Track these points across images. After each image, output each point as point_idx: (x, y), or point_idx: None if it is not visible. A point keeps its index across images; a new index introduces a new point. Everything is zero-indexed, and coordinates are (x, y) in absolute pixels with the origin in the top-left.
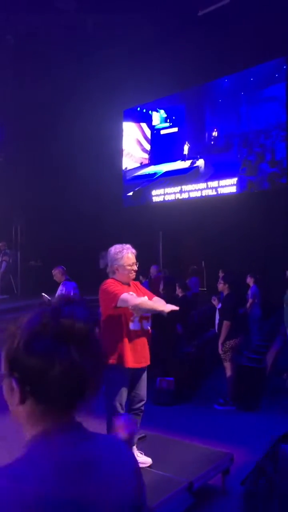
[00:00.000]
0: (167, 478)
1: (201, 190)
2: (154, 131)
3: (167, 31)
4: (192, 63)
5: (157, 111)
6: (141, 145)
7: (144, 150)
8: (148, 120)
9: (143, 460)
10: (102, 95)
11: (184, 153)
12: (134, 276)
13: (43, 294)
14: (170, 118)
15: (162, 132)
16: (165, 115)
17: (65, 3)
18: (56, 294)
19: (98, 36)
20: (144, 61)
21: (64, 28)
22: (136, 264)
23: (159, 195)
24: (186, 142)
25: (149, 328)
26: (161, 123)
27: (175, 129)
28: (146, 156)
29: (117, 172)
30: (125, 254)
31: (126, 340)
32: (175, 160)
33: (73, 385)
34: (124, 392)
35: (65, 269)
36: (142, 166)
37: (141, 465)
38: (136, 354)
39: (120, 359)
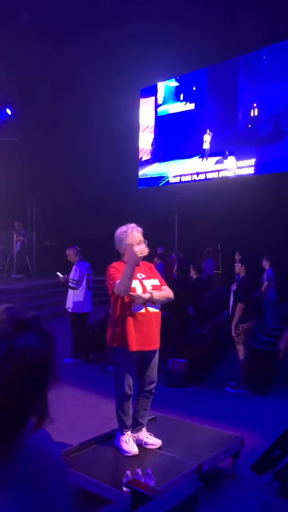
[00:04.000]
0: (176, 460)
1: (218, 171)
2: (157, 111)
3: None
4: (222, 36)
5: (163, 82)
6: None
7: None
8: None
9: (153, 441)
10: (120, 73)
11: (204, 147)
12: (144, 254)
13: (58, 273)
14: (185, 91)
15: (171, 110)
16: (176, 85)
17: None
18: (70, 274)
19: (117, 12)
20: (163, 37)
21: (81, 5)
22: (145, 242)
23: (175, 176)
24: (208, 131)
25: (157, 309)
26: (168, 100)
27: (190, 106)
28: (149, 147)
29: (133, 152)
30: (130, 233)
31: (129, 322)
32: (189, 156)
33: (8, 415)
34: (130, 374)
35: (78, 249)
36: (143, 163)
37: (150, 447)
38: (141, 337)
39: (123, 342)
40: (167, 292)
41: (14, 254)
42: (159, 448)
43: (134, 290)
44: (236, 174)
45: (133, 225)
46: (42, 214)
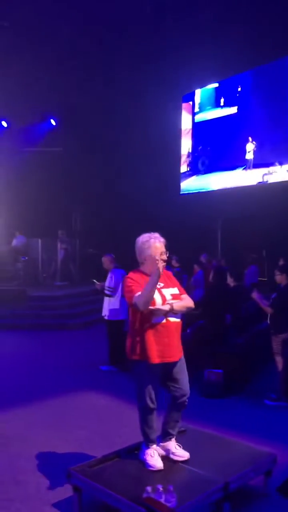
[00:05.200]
0: (202, 477)
1: (263, 175)
2: (195, 118)
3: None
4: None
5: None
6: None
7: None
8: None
9: (181, 453)
10: (162, 79)
11: (248, 157)
12: (164, 266)
13: (94, 280)
14: (226, 95)
15: (209, 116)
16: (215, 90)
17: None
18: (106, 282)
19: (157, 19)
20: (208, 41)
21: (121, 12)
22: (166, 254)
23: (218, 181)
24: (250, 139)
25: (178, 319)
26: (206, 106)
27: (232, 110)
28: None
29: (175, 158)
30: (153, 244)
31: (149, 334)
32: (231, 168)
33: None
34: (153, 387)
35: (114, 256)
36: (182, 175)
37: (178, 458)
38: (162, 349)
39: (143, 355)
40: (187, 302)
41: (58, 261)
42: (185, 462)
43: (153, 301)
44: (282, 179)
45: (156, 234)
46: (85, 223)
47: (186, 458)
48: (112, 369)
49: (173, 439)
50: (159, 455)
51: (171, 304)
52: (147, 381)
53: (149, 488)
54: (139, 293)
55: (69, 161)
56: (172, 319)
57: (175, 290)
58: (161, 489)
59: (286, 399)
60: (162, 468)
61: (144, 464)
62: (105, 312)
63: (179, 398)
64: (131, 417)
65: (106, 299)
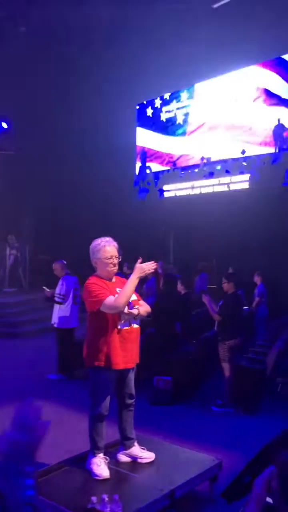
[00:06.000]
0: (148, 485)
1: (213, 186)
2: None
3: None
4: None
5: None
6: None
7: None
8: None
9: (148, 456)
10: (116, 87)
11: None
12: (116, 270)
13: (44, 287)
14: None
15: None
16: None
17: None
18: (57, 289)
19: (112, 28)
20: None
21: (79, 20)
22: (118, 258)
23: (170, 190)
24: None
25: (138, 325)
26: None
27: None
28: None
29: (129, 165)
30: (103, 247)
31: (115, 340)
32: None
33: None
34: (109, 394)
35: (65, 263)
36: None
37: (146, 461)
38: (125, 354)
39: (108, 361)
40: (147, 307)
41: (6, 267)
42: (132, 471)
43: None
44: (231, 188)
45: (108, 238)
46: (37, 228)
47: (153, 459)
48: (61, 377)
49: (136, 443)
50: (106, 463)
51: (138, 309)
52: (105, 388)
53: (94, 498)
54: (112, 296)
55: (21, 165)
56: (134, 325)
57: (134, 296)
58: (106, 498)
59: (232, 405)
60: (109, 477)
61: (91, 473)
62: (54, 320)
63: (128, 399)
64: (79, 426)
65: (56, 306)
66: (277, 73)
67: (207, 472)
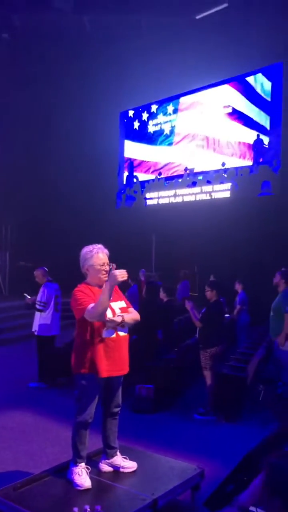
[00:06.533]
0: (130, 495)
1: (195, 194)
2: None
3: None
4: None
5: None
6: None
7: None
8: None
9: (130, 465)
10: (100, 95)
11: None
12: (107, 277)
13: (25, 294)
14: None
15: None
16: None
17: (63, 3)
18: (38, 296)
19: (95, 36)
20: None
21: (62, 27)
22: (109, 265)
23: (153, 198)
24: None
25: (125, 333)
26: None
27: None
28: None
29: (112, 173)
30: (95, 254)
31: (99, 348)
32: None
33: None
34: (95, 401)
35: (47, 270)
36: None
37: (128, 470)
38: (111, 363)
39: (93, 369)
40: (135, 314)
41: None
42: (114, 480)
43: (104, 315)
44: (213, 197)
45: (99, 246)
46: (17, 234)
47: (135, 468)
48: (41, 385)
49: (118, 453)
50: (87, 473)
51: (122, 316)
52: (91, 395)
53: (76, 509)
54: (92, 304)
55: (1, 172)
56: (121, 333)
57: (123, 304)
58: (88, 509)
59: (214, 413)
60: (90, 487)
61: (72, 483)
62: (35, 327)
63: (113, 408)
64: (60, 435)
65: (37, 314)
66: (239, 91)
67: (189, 481)
